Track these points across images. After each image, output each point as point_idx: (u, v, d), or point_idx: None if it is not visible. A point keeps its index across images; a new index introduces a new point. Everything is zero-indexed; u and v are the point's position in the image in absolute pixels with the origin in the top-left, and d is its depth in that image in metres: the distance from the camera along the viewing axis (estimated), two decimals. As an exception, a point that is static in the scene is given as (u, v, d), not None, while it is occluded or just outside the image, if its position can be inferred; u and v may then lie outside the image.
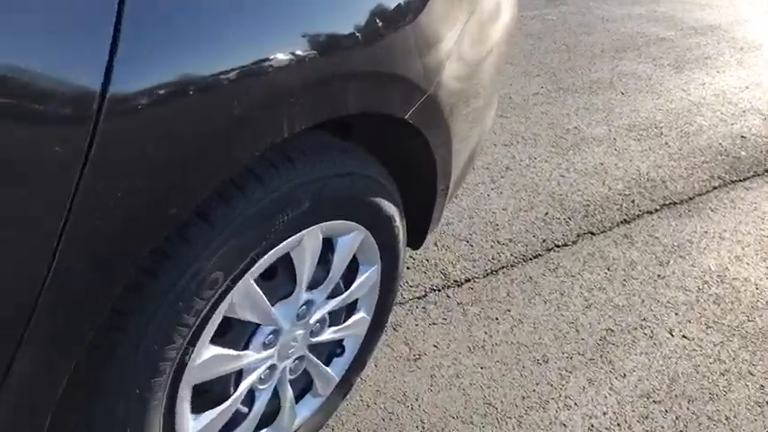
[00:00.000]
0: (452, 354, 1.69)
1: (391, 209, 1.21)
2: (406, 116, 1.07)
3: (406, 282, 1.91)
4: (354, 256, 1.21)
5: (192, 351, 0.90)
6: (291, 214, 0.95)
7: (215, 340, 0.97)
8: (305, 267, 1.05)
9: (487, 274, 1.98)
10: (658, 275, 2.04)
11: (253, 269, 0.94)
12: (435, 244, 2.08)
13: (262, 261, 0.95)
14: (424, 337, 1.73)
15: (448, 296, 1.88)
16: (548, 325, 1.81)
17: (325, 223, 1.04)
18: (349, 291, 1.23)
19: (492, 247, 2.09)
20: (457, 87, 1.21)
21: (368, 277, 1.26)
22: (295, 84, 0.80)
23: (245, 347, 1.04)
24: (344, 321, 1.29)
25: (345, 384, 1.40)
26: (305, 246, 1.03)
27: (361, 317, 1.32)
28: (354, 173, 1.06)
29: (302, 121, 0.85)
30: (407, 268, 1.97)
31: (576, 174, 2.52)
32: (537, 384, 1.63)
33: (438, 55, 1.08)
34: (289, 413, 1.22)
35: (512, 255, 2.07)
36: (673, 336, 1.83)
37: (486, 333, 1.76)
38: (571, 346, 1.75)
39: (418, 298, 1.86)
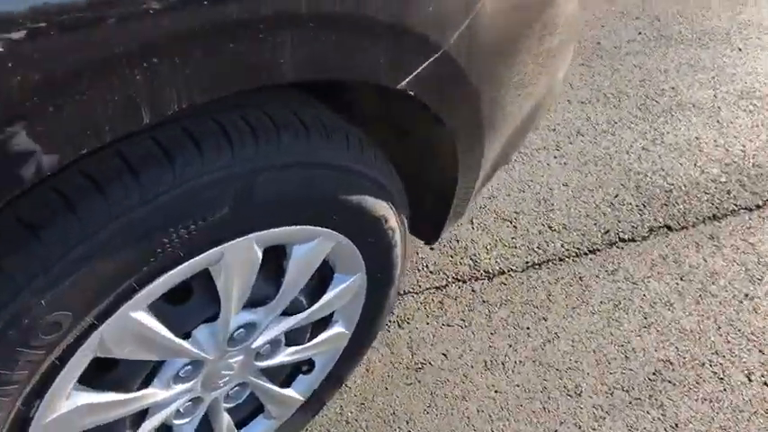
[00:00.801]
0: (463, 368, 1.38)
1: (382, 208, 0.88)
2: (401, 86, 0.71)
3: (426, 265, 1.59)
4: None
5: (39, 404, 0.64)
6: (197, 225, 0.64)
7: (93, 383, 0.70)
8: (232, 287, 0.75)
9: (527, 268, 1.62)
10: (746, 295, 1.61)
11: (134, 300, 0.65)
12: (471, 222, 1.73)
13: (151, 288, 0.66)
14: (432, 341, 1.42)
15: (473, 290, 1.55)
16: (590, 345, 1.46)
17: (261, 233, 0.73)
18: (313, 308, 0.93)
19: (540, 232, 1.72)
20: (495, 39, 0.83)
21: (345, 289, 0.96)
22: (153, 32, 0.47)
23: (144, 386, 0.77)
24: (313, 338, 1.01)
25: (315, 403, 1.14)
26: (229, 262, 0.72)
27: (338, 332, 1.03)
28: (315, 164, 0.73)
29: (187, 94, 0.51)
30: (431, 249, 1.64)
31: (662, 148, 2.04)
32: (561, 424, 1.31)
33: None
34: (227, 442, 0.98)
35: (563, 246, 1.69)
36: (751, 381, 1.43)
37: (510, 346, 1.43)
38: (614, 378, 1.40)
39: (437, 288, 1.55)
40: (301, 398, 1.07)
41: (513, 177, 1.89)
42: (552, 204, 1.81)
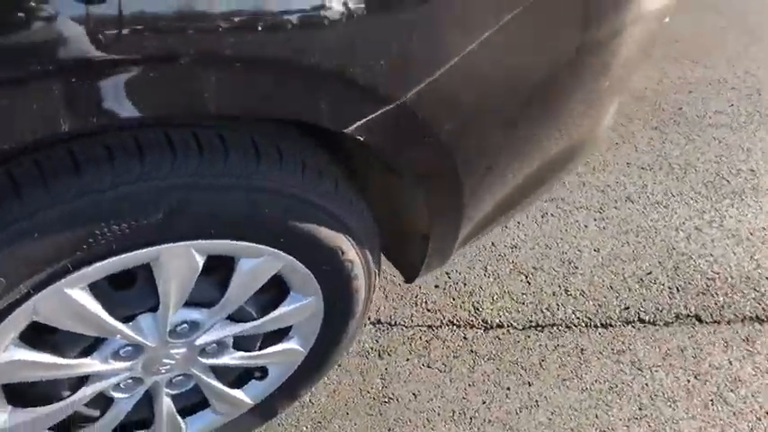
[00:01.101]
0: (429, 413, 1.37)
1: (338, 239, 0.91)
2: (348, 130, 0.74)
3: (425, 301, 1.60)
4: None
5: (-25, 351, 0.74)
6: (130, 225, 0.71)
7: (33, 343, 0.79)
8: (169, 286, 0.82)
9: (528, 327, 1.58)
10: (767, 413, 1.47)
11: (69, 279, 0.73)
12: (485, 268, 1.71)
13: (86, 271, 0.73)
14: (407, 378, 1.43)
15: (464, 337, 1.53)
16: (569, 422, 1.39)
17: (199, 242, 0.78)
18: (262, 319, 0.98)
19: (554, 294, 1.66)
20: (478, 98, 0.84)
21: (299, 308, 1.00)
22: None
23: (83, 356, 0.85)
24: (265, 347, 1.05)
25: (267, 410, 1.18)
26: (165, 263, 0.79)
27: (292, 348, 1.07)
28: (261, 188, 0.78)
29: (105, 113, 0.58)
30: (435, 287, 1.64)
31: (719, 232, 1.91)
32: (513, 495, 1.27)
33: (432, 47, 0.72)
34: (168, 424, 1.05)
35: (574, 313, 1.63)
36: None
37: (484, 402, 1.40)
38: (587, 463, 1.33)
39: (428, 327, 1.54)
40: (251, 401, 1.12)
41: (544, 231, 1.84)
42: (576, 267, 1.74)
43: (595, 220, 1.91)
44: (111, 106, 0.58)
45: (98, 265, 0.73)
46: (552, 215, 1.89)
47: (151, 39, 0.55)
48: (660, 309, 1.66)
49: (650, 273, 1.76)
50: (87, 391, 0.90)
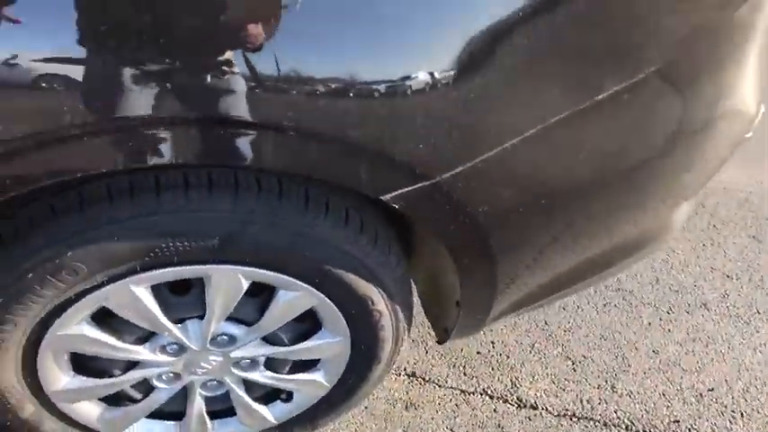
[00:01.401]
0: (442, 474, 1.39)
1: (369, 289, 1.00)
2: (384, 198, 0.84)
3: (463, 365, 1.62)
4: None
5: (56, 322, 0.90)
6: (190, 243, 0.85)
7: (100, 324, 0.95)
8: (216, 300, 0.94)
9: (563, 416, 1.55)
10: None
11: (136, 278, 0.87)
12: (533, 345, 1.71)
13: (150, 274, 0.88)
14: (427, 437, 1.46)
15: (494, 410, 1.54)
16: None
17: (245, 268, 0.90)
18: (291, 347, 1.08)
19: (599, 387, 1.62)
20: (519, 187, 0.90)
21: (326, 344, 1.09)
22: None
23: (137, 343, 1.00)
24: (291, 373, 1.15)
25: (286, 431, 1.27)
26: (215, 280, 0.92)
27: (317, 380, 1.16)
28: (305, 233, 0.89)
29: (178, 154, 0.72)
30: (477, 353, 1.66)
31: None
32: None
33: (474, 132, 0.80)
34: (196, 422, 1.17)
35: (616, 412, 1.57)
36: None
37: (499, 478, 1.39)
38: None
39: (462, 391, 1.57)
40: (273, 420, 1.22)
41: (603, 321, 1.80)
42: (629, 365, 1.69)
43: (661, 320, 1.84)
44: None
45: (161, 271, 0.88)
46: (615, 306, 1.85)
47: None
48: (717, 430, 1.57)
49: (712, 390, 1.66)
50: (135, 375, 1.05)
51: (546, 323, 1.78)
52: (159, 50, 0.67)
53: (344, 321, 1.05)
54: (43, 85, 0.66)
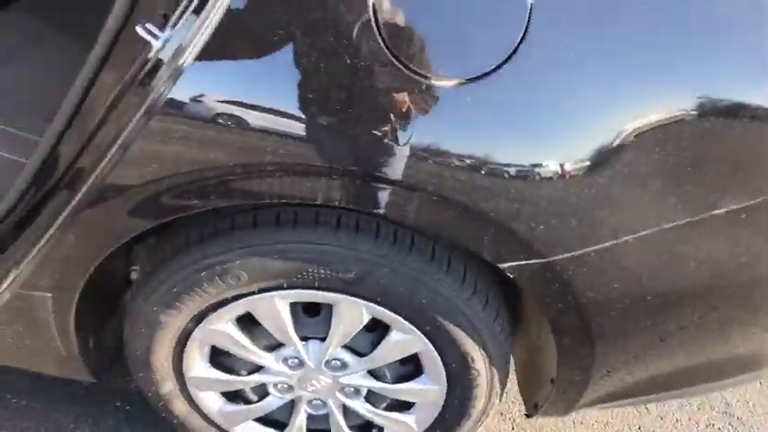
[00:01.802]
0: None
1: (471, 347, 1.09)
2: (502, 266, 0.95)
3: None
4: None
5: (210, 316, 1.09)
6: (331, 273, 1.00)
7: (244, 326, 1.13)
8: (338, 328, 1.09)
9: None
10: None
11: (282, 293, 1.05)
12: (623, 446, 1.66)
13: (293, 293, 1.05)
14: None
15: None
16: None
17: (370, 304, 1.04)
18: (389, 386, 1.19)
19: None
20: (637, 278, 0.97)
21: (422, 390, 1.19)
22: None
23: (266, 351, 1.16)
24: (385, 410, 1.26)
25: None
26: (342, 309, 1.06)
27: (407, 422, 1.25)
28: (426, 283, 1.02)
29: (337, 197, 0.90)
30: (564, 440, 1.65)
31: None
32: None
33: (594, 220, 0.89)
34: (298, 432, 1.30)
35: None
36: None
37: None
38: None
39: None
40: (360, 449, 1.32)
41: (703, 442, 1.71)
42: (727, 495, 1.59)
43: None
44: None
45: (302, 291, 1.04)
46: (719, 430, 1.75)
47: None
48: None
49: None
50: (256, 378, 1.21)
51: (639, 428, 1.73)
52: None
53: (444, 372, 1.14)
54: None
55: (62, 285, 1.05)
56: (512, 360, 1.24)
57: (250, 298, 1.07)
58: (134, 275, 1.21)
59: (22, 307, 1.10)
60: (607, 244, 0.93)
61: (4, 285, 1.07)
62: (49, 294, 1.06)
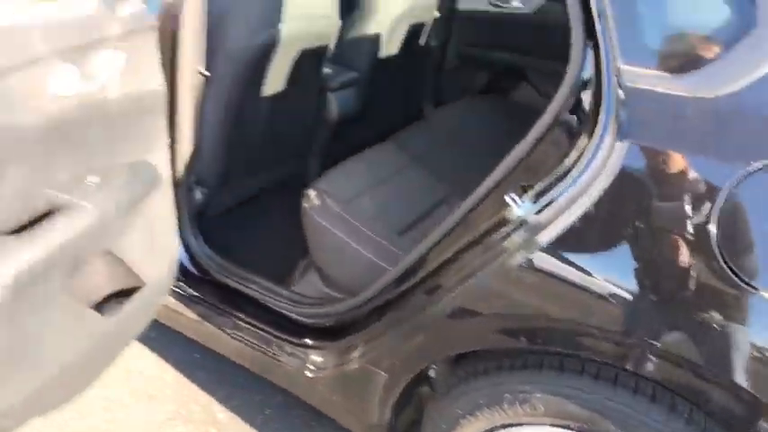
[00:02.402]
0: None
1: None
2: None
3: None
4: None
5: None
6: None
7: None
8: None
9: None
10: None
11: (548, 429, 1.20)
12: None
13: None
14: None
15: None
16: None
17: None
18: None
19: None
20: None
21: None
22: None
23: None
24: None
25: None
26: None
27: None
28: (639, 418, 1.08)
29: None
30: None
31: None
32: None
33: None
34: None
35: None
36: None
37: None
38: None
39: None
40: None
41: None
42: None
43: None
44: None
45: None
46: None
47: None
48: None
49: None
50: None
51: None
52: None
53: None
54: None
55: (398, 371, 1.35)
56: None
57: (531, 427, 1.22)
58: (432, 373, 1.47)
59: (360, 377, 1.43)
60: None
61: (356, 354, 1.42)
62: (385, 374, 1.38)
